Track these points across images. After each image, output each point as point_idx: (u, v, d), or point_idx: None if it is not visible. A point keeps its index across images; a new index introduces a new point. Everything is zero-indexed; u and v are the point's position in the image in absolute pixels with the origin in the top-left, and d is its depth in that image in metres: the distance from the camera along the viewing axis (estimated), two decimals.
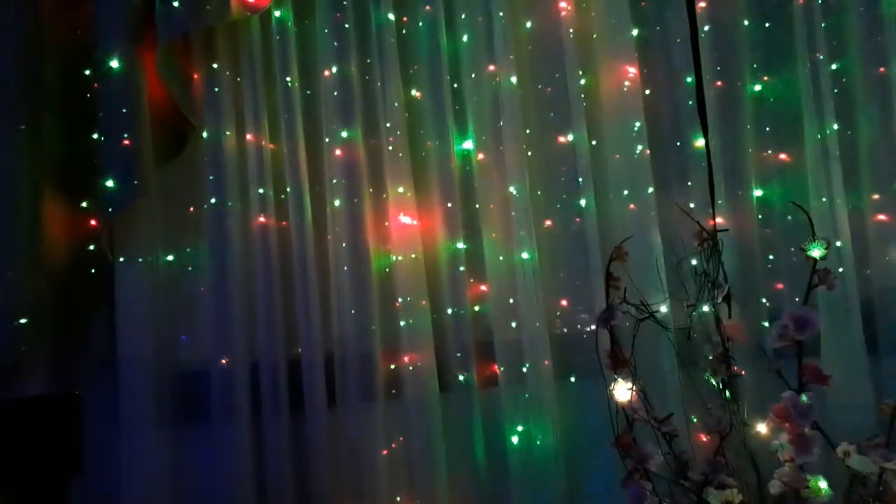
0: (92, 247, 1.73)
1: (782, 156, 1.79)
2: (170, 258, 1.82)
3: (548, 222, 1.85)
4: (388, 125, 1.80)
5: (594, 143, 1.81)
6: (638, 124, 1.77)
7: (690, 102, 1.80)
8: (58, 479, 1.41)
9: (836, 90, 1.78)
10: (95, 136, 1.71)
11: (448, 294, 1.80)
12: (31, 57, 1.68)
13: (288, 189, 1.79)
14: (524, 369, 1.75)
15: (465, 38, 1.85)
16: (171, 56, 1.73)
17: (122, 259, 1.73)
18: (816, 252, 1.48)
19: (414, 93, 1.86)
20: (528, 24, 1.87)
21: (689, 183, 1.80)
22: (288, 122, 1.80)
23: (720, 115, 1.78)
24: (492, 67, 1.82)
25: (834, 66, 1.80)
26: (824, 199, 1.71)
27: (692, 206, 1.78)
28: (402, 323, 1.76)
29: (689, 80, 1.80)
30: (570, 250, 1.82)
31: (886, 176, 1.75)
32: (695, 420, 1.66)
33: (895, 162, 1.75)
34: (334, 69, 1.82)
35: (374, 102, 1.83)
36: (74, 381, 1.68)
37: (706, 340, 1.66)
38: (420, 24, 1.84)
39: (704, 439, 1.63)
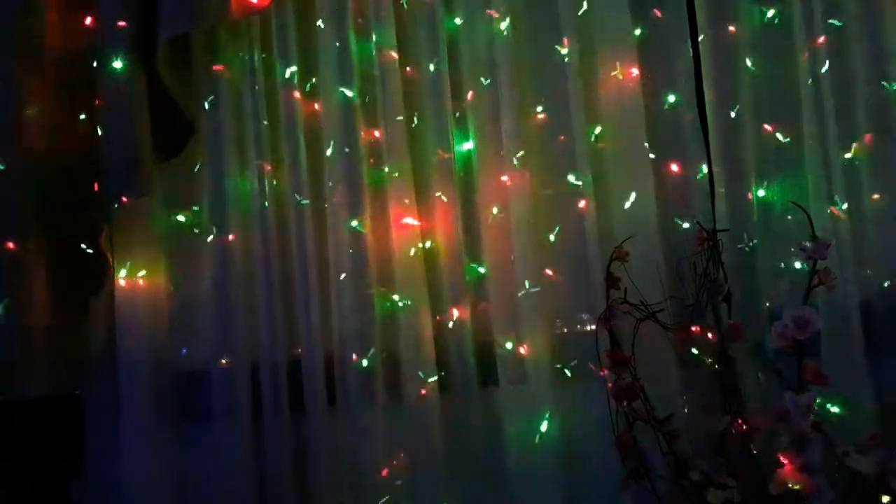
0: (92, 246, 1.72)
1: (783, 155, 1.78)
2: (170, 258, 1.82)
3: (548, 221, 1.85)
4: (388, 123, 1.80)
5: (595, 142, 1.81)
6: (639, 123, 1.77)
7: (692, 101, 1.79)
8: (58, 479, 1.41)
9: (837, 88, 1.77)
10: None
11: (448, 293, 1.79)
12: (32, 56, 1.68)
13: (288, 188, 1.79)
14: (524, 369, 1.74)
15: (465, 35, 1.84)
16: (171, 55, 1.73)
17: (121, 258, 1.73)
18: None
19: (415, 90, 1.85)
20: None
21: (690, 182, 1.80)
22: (288, 121, 1.80)
23: (721, 113, 1.77)
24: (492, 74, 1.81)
25: (834, 64, 1.79)
26: (825, 199, 1.71)
27: (693, 205, 1.78)
28: (402, 323, 1.76)
29: (690, 78, 1.80)
30: (571, 250, 1.82)
31: (887, 175, 1.75)
32: (695, 420, 1.66)
33: None
34: (335, 67, 1.81)
35: (375, 101, 1.83)
36: (74, 382, 1.68)
37: (707, 341, 1.66)
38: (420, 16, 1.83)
39: (705, 440, 1.63)
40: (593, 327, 1.69)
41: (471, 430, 1.76)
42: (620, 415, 1.59)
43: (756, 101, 1.78)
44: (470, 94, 1.83)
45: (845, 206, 1.72)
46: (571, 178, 1.80)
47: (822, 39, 1.74)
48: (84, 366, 1.72)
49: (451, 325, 1.78)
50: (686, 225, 1.75)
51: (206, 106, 1.80)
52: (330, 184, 1.81)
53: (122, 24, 1.68)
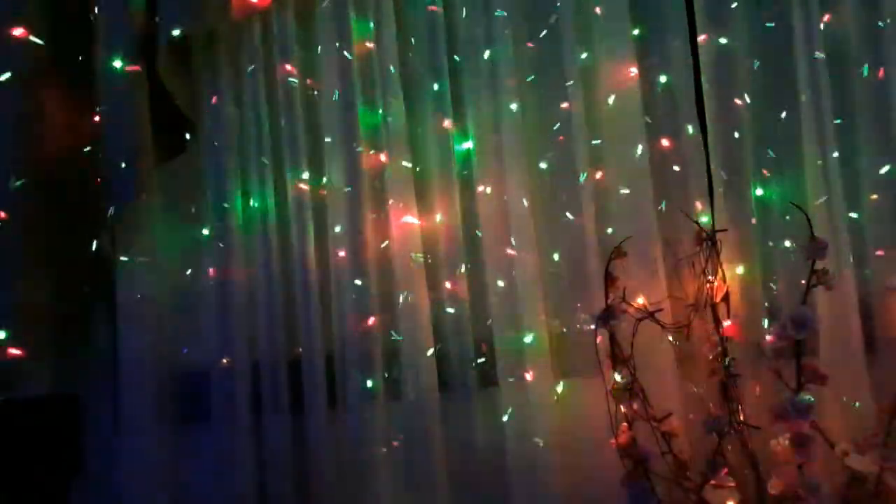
0: (93, 246, 1.73)
1: (782, 155, 1.78)
2: (171, 258, 1.82)
3: (548, 221, 1.85)
4: (388, 123, 1.80)
5: (594, 142, 1.81)
6: (638, 124, 1.77)
7: (690, 102, 1.80)
8: (58, 479, 1.42)
9: (835, 89, 1.78)
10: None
11: (448, 293, 1.80)
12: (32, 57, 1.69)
13: (288, 188, 1.79)
14: (524, 369, 1.75)
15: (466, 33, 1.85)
16: (172, 55, 1.73)
17: (123, 258, 1.73)
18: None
19: (416, 91, 1.85)
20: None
21: (689, 183, 1.80)
22: (289, 121, 1.81)
23: (719, 114, 1.77)
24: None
25: (834, 63, 1.79)
26: (823, 199, 1.71)
27: (691, 205, 1.78)
28: (402, 323, 1.76)
29: (689, 79, 1.80)
30: (571, 250, 1.82)
31: (886, 175, 1.75)
32: (694, 420, 1.66)
33: (894, 161, 1.75)
34: (335, 67, 1.82)
35: (375, 101, 1.83)
36: (75, 382, 1.68)
37: (706, 340, 1.66)
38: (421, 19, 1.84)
39: (704, 439, 1.63)
40: (593, 327, 1.69)
41: (471, 430, 1.76)
42: (620, 415, 1.59)
43: (755, 100, 1.78)
44: (471, 94, 1.84)
45: (844, 205, 1.72)
46: (570, 177, 1.80)
47: (821, 39, 1.75)
48: (84, 366, 1.72)
49: (451, 324, 1.79)
50: (685, 225, 1.74)
51: (207, 106, 1.80)
52: (330, 183, 1.81)
53: (122, 23, 1.68)
